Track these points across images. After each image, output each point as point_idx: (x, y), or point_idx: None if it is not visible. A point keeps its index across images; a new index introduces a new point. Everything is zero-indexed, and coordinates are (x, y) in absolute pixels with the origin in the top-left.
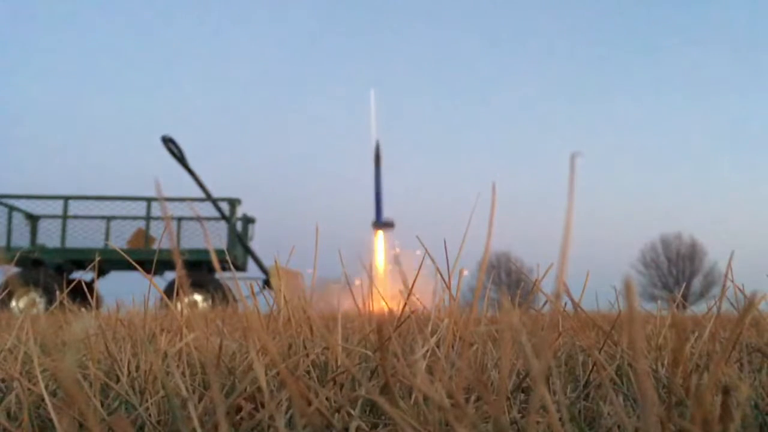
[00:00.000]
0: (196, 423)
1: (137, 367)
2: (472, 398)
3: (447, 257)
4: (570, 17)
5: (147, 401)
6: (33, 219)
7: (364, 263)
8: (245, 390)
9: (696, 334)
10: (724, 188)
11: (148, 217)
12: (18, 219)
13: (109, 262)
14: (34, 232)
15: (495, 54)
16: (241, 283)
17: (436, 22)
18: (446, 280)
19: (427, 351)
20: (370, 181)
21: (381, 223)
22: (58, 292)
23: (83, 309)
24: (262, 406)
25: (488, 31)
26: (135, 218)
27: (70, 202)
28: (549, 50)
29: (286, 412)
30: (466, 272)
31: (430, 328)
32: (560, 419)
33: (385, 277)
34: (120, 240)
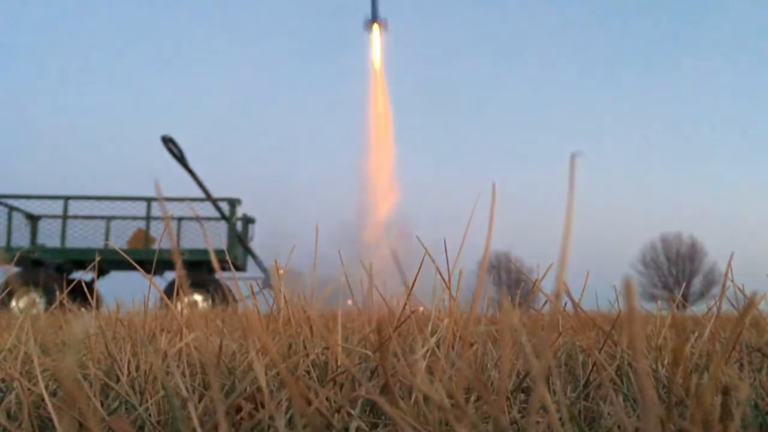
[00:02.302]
0: (196, 423)
1: (137, 367)
2: (472, 398)
3: (447, 256)
4: (575, 16)
5: (147, 401)
6: (33, 219)
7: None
8: (245, 390)
9: (696, 334)
10: (724, 188)
11: (148, 217)
12: (18, 219)
13: (109, 262)
14: (34, 232)
15: (495, 54)
16: (241, 283)
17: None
18: (446, 279)
19: (427, 351)
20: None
21: (376, 18)
22: (58, 292)
23: (83, 309)
24: (262, 406)
25: (488, 31)
26: (135, 218)
27: (70, 202)
28: (549, 49)
29: (286, 412)
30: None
31: (430, 328)
32: (560, 419)
33: (384, 118)
34: (120, 240)
